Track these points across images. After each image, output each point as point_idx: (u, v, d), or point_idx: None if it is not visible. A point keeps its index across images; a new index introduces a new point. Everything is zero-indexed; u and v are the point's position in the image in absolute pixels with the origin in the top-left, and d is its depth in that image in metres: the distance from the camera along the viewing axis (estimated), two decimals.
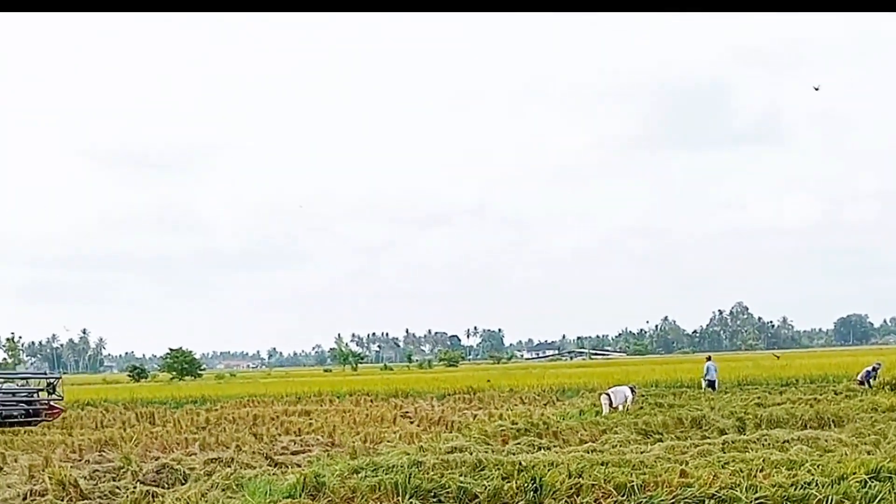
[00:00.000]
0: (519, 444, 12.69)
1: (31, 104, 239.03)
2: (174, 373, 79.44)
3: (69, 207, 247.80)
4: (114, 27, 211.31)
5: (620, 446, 11.73)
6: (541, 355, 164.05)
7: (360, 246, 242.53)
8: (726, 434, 12.57)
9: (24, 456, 14.07)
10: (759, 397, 20.95)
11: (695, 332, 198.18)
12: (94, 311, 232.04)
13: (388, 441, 14.66)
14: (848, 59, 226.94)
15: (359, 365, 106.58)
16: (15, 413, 22.38)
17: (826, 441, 10.94)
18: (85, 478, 10.58)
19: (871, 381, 24.27)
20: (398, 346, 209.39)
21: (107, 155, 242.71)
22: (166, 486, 10.25)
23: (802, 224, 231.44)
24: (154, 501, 9.19)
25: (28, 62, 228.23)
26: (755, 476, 7.87)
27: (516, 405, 23.79)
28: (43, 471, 11.13)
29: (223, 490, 9.41)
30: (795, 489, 7.35)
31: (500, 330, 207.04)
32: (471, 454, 9.74)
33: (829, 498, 7.12)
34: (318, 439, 15.45)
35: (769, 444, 10.80)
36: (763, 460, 8.82)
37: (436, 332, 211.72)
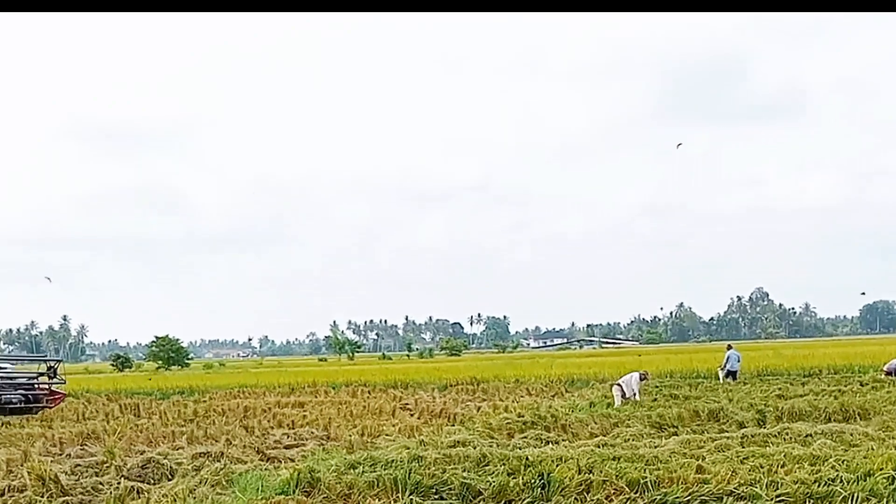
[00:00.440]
0: (525, 437, 12.73)
1: None
2: (160, 362, 79.87)
3: (42, 185, 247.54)
4: None
5: (633, 440, 11.75)
6: (548, 344, 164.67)
7: (356, 226, 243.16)
8: (745, 427, 12.59)
9: (0, 450, 14.11)
10: (780, 388, 20.97)
11: (711, 319, 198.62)
12: (73, 296, 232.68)
13: (387, 434, 14.70)
14: (874, 22, 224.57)
15: (355, 354, 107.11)
16: (14, 399, 21.99)
17: (851, 435, 10.94)
18: (66, 473, 10.60)
19: None
20: (397, 333, 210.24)
21: (82, 129, 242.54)
22: (152, 481, 10.28)
23: (826, 203, 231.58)
24: (139, 498, 9.20)
25: None
26: (776, 472, 7.88)
27: (522, 396, 23.85)
28: (21, 465, 11.16)
29: (212, 486, 9.43)
30: (819, 486, 7.36)
31: (505, 317, 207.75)
32: (474, 448, 9.77)
33: (855, 495, 7.12)
34: (312, 432, 15.49)
35: (791, 439, 10.82)
36: (784, 455, 8.83)
37: (437, 320, 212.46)
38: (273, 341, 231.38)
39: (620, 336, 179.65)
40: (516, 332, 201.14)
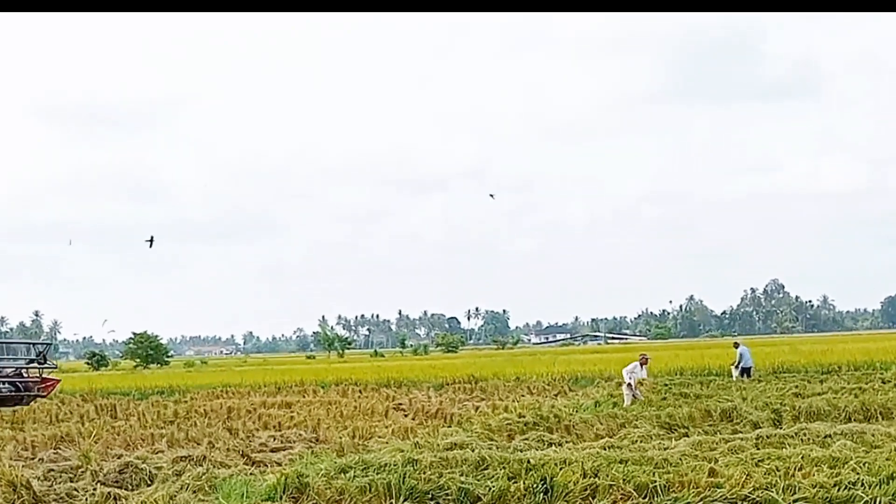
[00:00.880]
0: (527, 439, 12.75)
1: None
2: (138, 360, 79.84)
3: (9, 170, 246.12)
4: None
5: (641, 442, 11.79)
6: (551, 339, 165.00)
7: (346, 214, 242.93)
8: (760, 428, 12.63)
9: None
10: (796, 386, 21.04)
11: (724, 313, 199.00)
12: (43, 289, 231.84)
13: (380, 436, 14.73)
14: None
15: (346, 351, 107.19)
16: (3, 389, 21.48)
17: (873, 436, 10.98)
18: (38, 478, 10.61)
19: None
20: (390, 329, 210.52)
21: (52, 110, 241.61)
22: (130, 487, 10.29)
23: (844, 188, 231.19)
24: None
25: None
26: (793, 475, 7.90)
27: (523, 396, 23.91)
28: None
29: (194, 492, 9.44)
30: (839, 490, 7.39)
31: (504, 311, 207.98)
32: (472, 451, 9.79)
33: (877, 499, 7.15)
34: (300, 435, 15.52)
35: (808, 440, 10.86)
36: (802, 457, 8.86)
37: (432, 314, 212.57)
38: (258, 338, 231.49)
39: (627, 331, 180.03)
40: (516, 328, 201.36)
